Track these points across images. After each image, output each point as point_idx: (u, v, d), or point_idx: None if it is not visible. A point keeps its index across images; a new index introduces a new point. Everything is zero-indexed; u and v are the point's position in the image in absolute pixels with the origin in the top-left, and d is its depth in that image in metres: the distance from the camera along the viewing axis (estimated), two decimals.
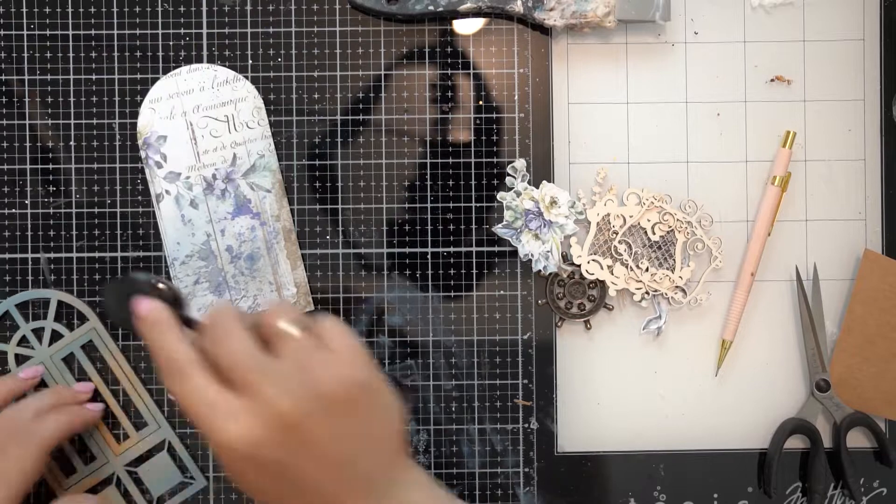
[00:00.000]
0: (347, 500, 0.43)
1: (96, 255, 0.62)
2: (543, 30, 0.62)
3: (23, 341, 0.61)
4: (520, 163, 0.62)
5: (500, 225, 0.62)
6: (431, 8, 0.61)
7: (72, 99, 0.62)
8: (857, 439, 0.63)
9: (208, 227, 0.62)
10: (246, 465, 0.42)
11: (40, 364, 0.60)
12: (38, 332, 0.61)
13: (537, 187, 0.62)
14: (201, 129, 0.61)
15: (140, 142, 0.61)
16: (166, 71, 0.62)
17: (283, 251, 0.62)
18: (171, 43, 0.62)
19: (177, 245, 0.62)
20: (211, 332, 0.43)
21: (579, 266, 0.62)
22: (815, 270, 0.62)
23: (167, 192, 0.62)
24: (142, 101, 0.62)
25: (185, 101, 0.61)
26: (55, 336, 0.61)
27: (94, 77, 0.62)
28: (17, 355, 0.61)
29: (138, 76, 0.62)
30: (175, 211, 0.62)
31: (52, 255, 0.62)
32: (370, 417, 0.44)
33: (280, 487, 0.42)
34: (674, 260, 0.62)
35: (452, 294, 0.62)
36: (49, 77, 0.62)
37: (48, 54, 0.62)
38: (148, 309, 0.45)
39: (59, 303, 0.61)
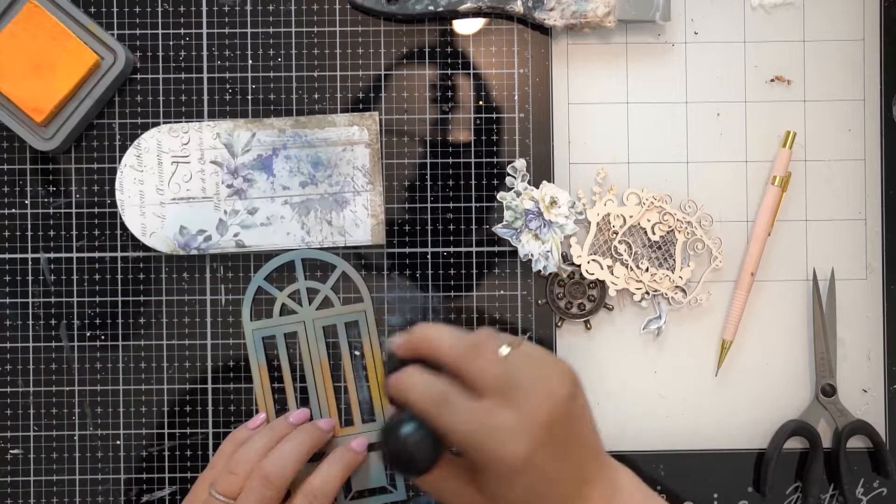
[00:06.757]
0: (576, 492, 0.46)
1: (96, 255, 0.62)
2: (543, 30, 0.62)
3: (294, 295, 0.61)
4: (520, 163, 0.62)
5: (500, 225, 0.62)
6: (431, 8, 0.61)
7: None
8: (856, 447, 0.63)
9: None
10: (513, 478, 0.44)
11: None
12: (311, 293, 0.61)
13: (537, 187, 0.62)
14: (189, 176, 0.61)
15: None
16: (166, 71, 0.62)
17: None
18: (171, 43, 0.62)
19: None
20: (466, 351, 0.46)
21: (579, 266, 0.62)
22: (832, 273, 0.62)
23: None
24: (142, 100, 0.62)
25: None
26: (325, 303, 0.61)
27: None
28: (283, 305, 0.61)
29: (138, 76, 0.62)
30: None
31: (52, 255, 0.62)
32: (584, 412, 0.47)
33: (527, 496, 0.45)
34: (674, 260, 0.62)
35: (452, 294, 0.62)
36: None
37: None
38: (394, 385, 0.47)
39: (342, 275, 0.61)
